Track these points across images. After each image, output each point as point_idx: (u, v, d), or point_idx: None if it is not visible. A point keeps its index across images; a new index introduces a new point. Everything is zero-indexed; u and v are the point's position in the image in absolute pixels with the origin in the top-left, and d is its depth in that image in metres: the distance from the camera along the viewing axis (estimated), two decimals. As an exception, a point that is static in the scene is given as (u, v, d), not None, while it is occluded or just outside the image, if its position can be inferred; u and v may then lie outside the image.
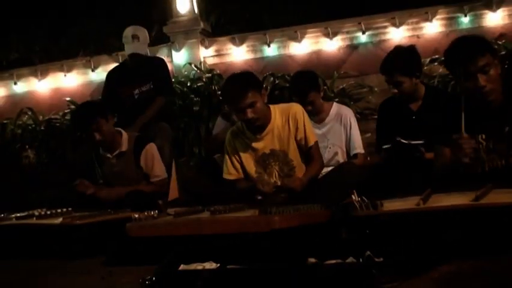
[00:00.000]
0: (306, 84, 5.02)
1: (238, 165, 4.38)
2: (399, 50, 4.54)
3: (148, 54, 6.04)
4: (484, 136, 3.44)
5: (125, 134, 4.94)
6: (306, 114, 4.35)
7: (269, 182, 4.21)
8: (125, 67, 6.12)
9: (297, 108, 4.34)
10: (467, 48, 3.37)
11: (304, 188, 4.10)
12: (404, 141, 4.10)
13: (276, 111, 4.31)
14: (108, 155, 4.90)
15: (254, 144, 4.31)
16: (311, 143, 4.30)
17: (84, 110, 4.91)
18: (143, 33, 5.93)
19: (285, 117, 4.29)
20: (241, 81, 4.16)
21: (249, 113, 4.09)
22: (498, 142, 3.41)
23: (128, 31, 5.91)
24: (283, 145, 4.28)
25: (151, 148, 4.97)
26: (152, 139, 5.22)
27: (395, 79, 4.35)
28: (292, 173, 4.28)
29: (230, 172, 4.39)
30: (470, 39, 3.53)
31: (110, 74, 6.26)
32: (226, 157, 4.42)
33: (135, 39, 5.84)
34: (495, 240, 2.64)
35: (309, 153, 4.32)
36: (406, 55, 4.44)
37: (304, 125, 4.28)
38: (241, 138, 4.35)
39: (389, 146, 4.20)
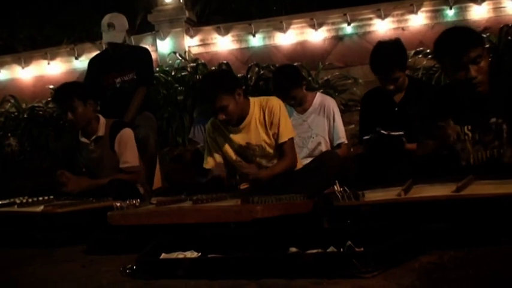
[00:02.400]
0: (288, 80, 4.99)
1: (217, 156, 4.38)
2: (390, 46, 4.46)
3: (127, 42, 5.95)
4: (469, 127, 3.46)
5: (102, 119, 4.89)
6: (283, 109, 4.31)
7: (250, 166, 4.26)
8: (107, 55, 6.03)
9: (274, 102, 4.31)
10: (460, 38, 3.37)
11: (284, 180, 4.11)
12: (384, 132, 4.11)
13: (256, 104, 4.30)
14: (87, 141, 4.87)
15: (232, 136, 4.31)
16: (283, 139, 4.24)
17: (63, 89, 4.89)
18: (119, 21, 5.84)
19: (262, 110, 4.27)
20: (214, 85, 4.14)
21: (220, 115, 4.13)
22: (484, 133, 3.43)
23: (104, 20, 5.84)
24: (260, 139, 4.26)
25: (127, 133, 4.89)
26: (136, 128, 5.20)
27: (393, 76, 4.32)
28: (270, 165, 4.28)
29: (208, 162, 4.40)
30: (463, 30, 3.53)
31: (92, 61, 6.21)
32: (206, 147, 4.43)
33: (111, 28, 5.76)
34: (475, 231, 2.65)
35: (281, 149, 4.28)
36: (399, 50, 4.42)
37: (279, 121, 4.24)
38: (220, 128, 4.35)
39: (368, 137, 4.20)
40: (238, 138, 4.28)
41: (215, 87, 4.09)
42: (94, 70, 6.01)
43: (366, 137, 4.23)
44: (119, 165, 4.83)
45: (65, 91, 4.80)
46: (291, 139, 4.31)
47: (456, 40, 3.37)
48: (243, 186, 4.25)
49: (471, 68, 3.30)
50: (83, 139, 4.88)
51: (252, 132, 4.26)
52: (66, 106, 4.73)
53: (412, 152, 3.86)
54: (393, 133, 4.07)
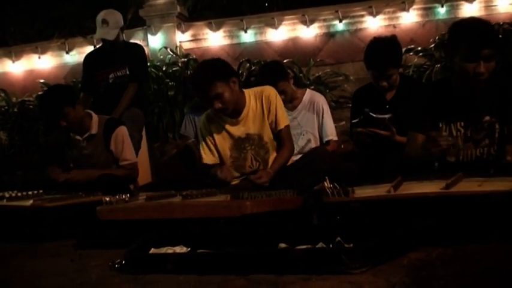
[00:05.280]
0: (273, 74, 5.00)
1: (214, 150, 4.36)
2: (386, 43, 4.44)
3: (121, 39, 5.98)
4: (462, 123, 3.46)
5: (95, 117, 4.90)
6: (278, 97, 4.35)
7: (230, 171, 4.24)
8: (101, 51, 6.10)
9: (270, 91, 4.34)
10: (482, 32, 3.32)
11: (275, 175, 4.11)
12: (373, 114, 4.14)
13: (251, 95, 4.32)
14: (78, 138, 4.86)
15: (230, 129, 4.30)
16: (281, 126, 4.29)
17: (50, 99, 4.85)
18: (113, 18, 5.88)
19: (258, 100, 4.30)
20: (208, 72, 4.12)
21: (216, 103, 4.10)
22: (476, 131, 3.43)
23: (99, 15, 5.90)
24: (258, 128, 4.28)
25: (122, 131, 4.92)
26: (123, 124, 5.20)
27: (388, 72, 4.32)
28: (267, 157, 4.29)
29: (209, 157, 4.37)
30: (485, 24, 3.43)
31: (87, 57, 6.26)
32: (203, 142, 4.41)
33: (104, 24, 5.82)
34: (464, 228, 2.66)
35: (279, 136, 4.31)
36: (395, 47, 4.42)
37: (276, 108, 4.28)
38: (216, 122, 4.34)
39: (357, 120, 4.22)
40: (237, 131, 4.28)
41: (209, 74, 4.08)
42: (88, 66, 6.07)
43: (354, 121, 4.26)
44: (118, 162, 4.89)
45: (52, 102, 4.76)
46: (287, 126, 4.36)
47: (479, 31, 3.31)
48: (234, 182, 4.26)
49: (482, 64, 3.27)
50: (74, 136, 4.87)
51: (251, 123, 4.28)
52: (57, 116, 4.73)
53: (401, 146, 3.87)
54: (381, 116, 4.12)
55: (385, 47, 4.37)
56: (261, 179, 4.03)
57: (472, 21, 3.50)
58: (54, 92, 4.93)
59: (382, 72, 4.33)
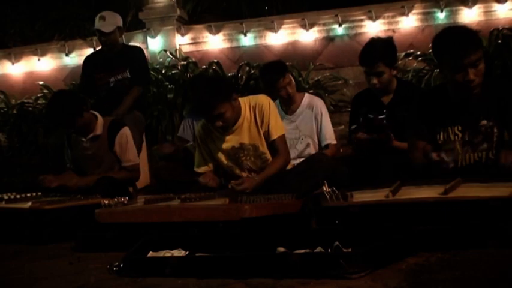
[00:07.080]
0: (275, 71, 5.03)
1: (208, 159, 4.37)
2: (379, 40, 4.53)
3: (120, 41, 6.04)
4: (460, 128, 3.47)
5: (100, 118, 4.92)
6: (272, 106, 4.33)
7: (213, 177, 4.23)
8: (101, 54, 6.17)
9: (263, 100, 4.32)
10: (462, 40, 3.33)
11: (273, 180, 4.11)
12: (370, 115, 4.15)
13: (245, 104, 4.30)
14: (82, 139, 4.87)
15: (224, 138, 4.29)
16: (274, 136, 4.26)
17: (59, 112, 4.79)
18: (111, 16, 6.01)
19: (252, 110, 4.28)
20: (210, 94, 4.06)
21: (218, 122, 4.10)
22: (474, 134, 3.43)
23: (98, 15, 6.03)
24: (253, 138, 4.26)
25: (126, 132, 4.95)
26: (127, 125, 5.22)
27: (377, 69, 4.31)
28: (265, 166, 4.27)
29: (200, 166, 4.38)
30: (464, 31, 3.47)
31: (86, 60, 6.31)
32: (197, 150, 4.41)
33: (101, 20, 5.95)
34: (462, 233, 2.66)
35: (273, 146, 4.28)
36: (387, 45, 4.45)
37: (269, 118, 4.25)
38: (211, 131, 4.33)
39: (355, 126, 4.23)
40: (231, 140, 4.27)
41: (213, 97, 4.03)
42: (88, 69, 6.13)
43: (353, 127, 4.26)
44: (121, 163, 4.92)
45: (62, 115, 4.76)
46: (282, 136, 4.31)
47: (458, 42, 3.33)
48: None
49: (470, 71, 3.30)
50: (77, 136, 4.89)
51: (245, 133, 4.26)
52: (68, 128, 4.84)
53: (400, 151, 3.88)
54: (379, 117, 4.13)
55: (377, 43, 4.42)
56: (242, 185, 3.96)
57: (451, 32, 3.49)
58: (63, 104, 4.82)
59: (371, 67, 4.33)
